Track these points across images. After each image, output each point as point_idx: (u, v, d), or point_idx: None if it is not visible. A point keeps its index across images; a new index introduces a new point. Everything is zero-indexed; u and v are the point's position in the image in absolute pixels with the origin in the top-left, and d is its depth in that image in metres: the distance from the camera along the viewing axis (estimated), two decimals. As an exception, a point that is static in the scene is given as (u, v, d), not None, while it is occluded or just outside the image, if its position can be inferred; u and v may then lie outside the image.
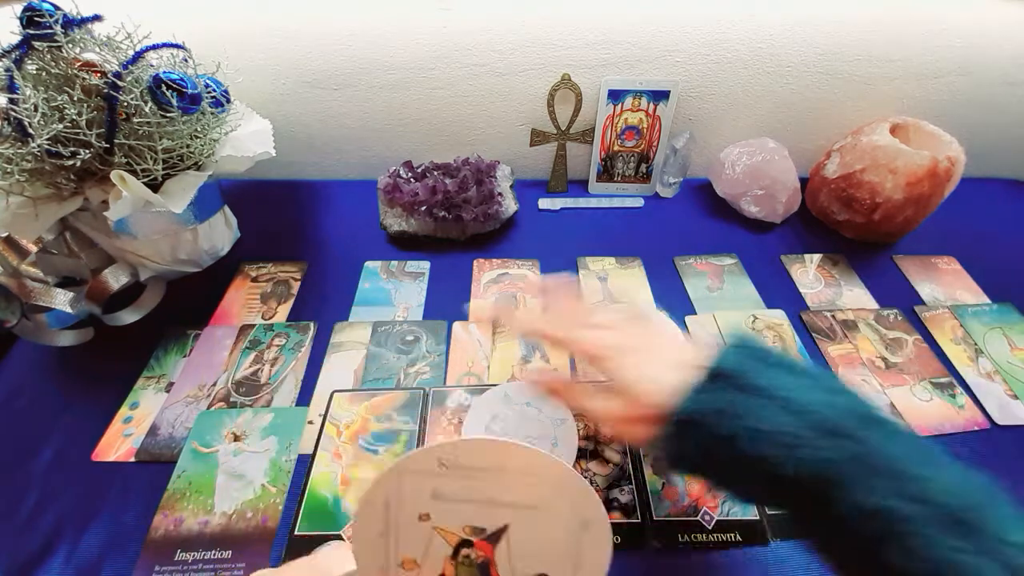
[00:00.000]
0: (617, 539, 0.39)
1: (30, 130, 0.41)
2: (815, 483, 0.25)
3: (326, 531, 0.39)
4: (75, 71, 0.43)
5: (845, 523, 0.24)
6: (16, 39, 0.43)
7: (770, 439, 0.25)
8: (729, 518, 0.40)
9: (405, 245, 0.65)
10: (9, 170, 0.42)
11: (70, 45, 0.44)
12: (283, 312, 0.56)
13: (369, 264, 0.62)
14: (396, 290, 0.59)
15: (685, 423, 0.28)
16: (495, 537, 0.21)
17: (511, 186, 0.68)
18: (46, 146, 0.41)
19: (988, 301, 0.59)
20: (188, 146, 0.48)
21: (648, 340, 0.34)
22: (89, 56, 0.45)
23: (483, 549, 0.21)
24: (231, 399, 0.48)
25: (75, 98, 0.42)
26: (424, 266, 0.62)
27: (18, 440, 0.45)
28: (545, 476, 0.20)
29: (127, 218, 0.48)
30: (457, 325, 0.55)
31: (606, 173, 0.74)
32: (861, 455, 0.24)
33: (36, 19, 0.43)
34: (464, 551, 0.21)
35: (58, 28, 0.43)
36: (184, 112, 0.46)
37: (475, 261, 0.63)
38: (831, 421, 0.25)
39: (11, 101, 0.41)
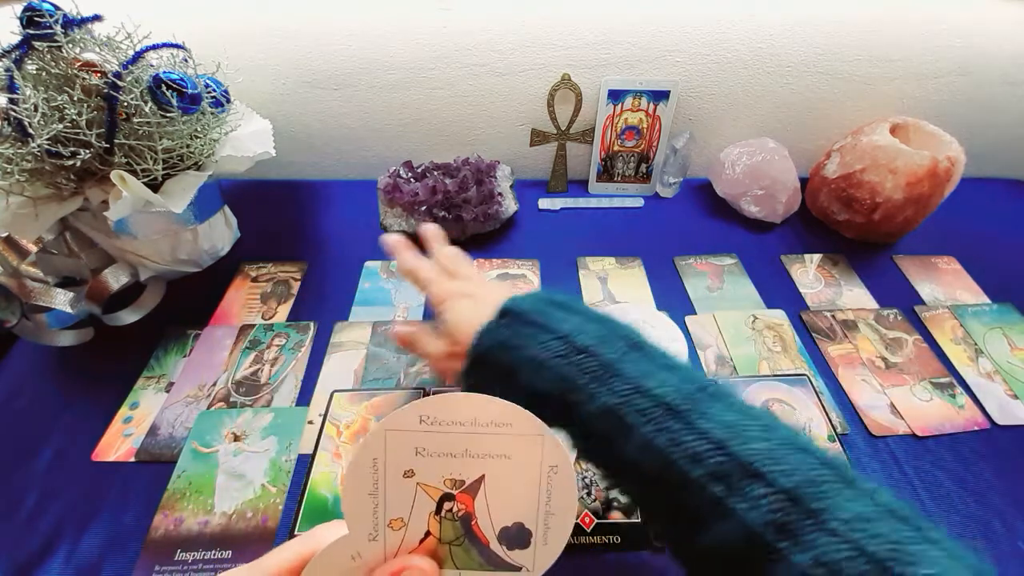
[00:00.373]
0: (617, 539, 0.39)
1: (30, 130, 0.41)
2: (565, 391, 0.28)
3: (326, 531, 0.39)
4: (75, 71, 0.43)
5: (585, 425, 0.28)
6: (16, 39, 0.43)
7: (532, 360, 0.29)
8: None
9: (405, 245, 0.65)
10: (9, 170, 0.42)
11: (70, 45, 0.44)
12: (283, 312, 0.56)
13: (369, 264, 0.62)
14: (396, 290, 0.59)
15: (478, 358, 0.32)
16: (473, 489, 0.22)
17: (511, 186, 0.68)
18: (46, 146, 0.41)
19: (988, 301, 0.59)
20: (188, 146, 0.48)
21: (484, 289, 0.39)
22: (89, 56, 0.45)
23: (464, 502, 0.22)
24: (231, 399, 0.48)
25: (75, 98, 0.42)
26: (424, 266, 0.62)
27: (18, 440, 0.45)
28: (516, 426, 0.22)
29: (127, 218, 0.48)
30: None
31: (606, 173, 0.74)
32: (603, 364, 0.28)
33: (36, 19, 0.43)
34: (447, 505, 0.22)
35: (58, 28, 0.43)
36: (184, 112, 0.46)
37: (475, 261, 0.63)
38: (584, 341, 0.29)
39: (11, 101, 0.41)
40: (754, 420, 0.26)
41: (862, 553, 0.21)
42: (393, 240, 0.43)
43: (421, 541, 0.22)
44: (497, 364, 0.31)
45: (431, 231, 0.45)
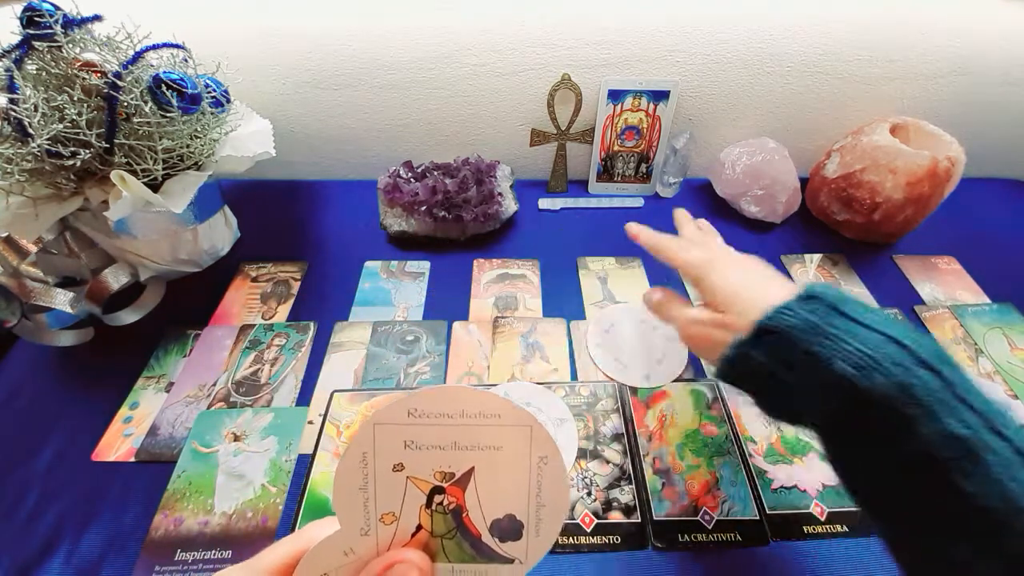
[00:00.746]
0: (617, 539, 0.39)
1: (30, 130, 0.41)
2: (898, 402, 0.25)
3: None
4: (75, 71, 0.43)
5: (919, 446, 0.25)
6: (16, 39, 0.43)
7: (860, 357, 0.26)
8: (729, 518, 0.40)
9: (405, 245, 0.65)
10: (9, 170, 0.42)
11: (70, 45, 0.44)
12: (283, 312, 0.56)
13: (369, 264, 0.62)
14: (396, 290, 0.59)
15: (774, 332, 0.29)
16: (463, 481, 0.22)
17: (511, 186, 0.68)
18: (46, 146, 0.41)
19: (988, 301, 0.59)
20: (188, 146, 0.48)
21: (742, 259, 0.38)
22: (89, 56, 0.45)
23: (454, 495, 0.22)
24: (231, 399, 0.48)
25: (75, 98, 0.42)
26: (424, 266, 0.62)
27: (18, 440, 0.45)
28: (504, 417, 0.21)
29: (127, 218, 0.48)
30: (457, 325, 0.55)
31: (606, 173, 0.74)
32: (949, 385, 0.25)
33: (36, 19, 0.43)
34: (437, 498, 0.22)
35: (58, 28, 0.43)
36: (184, 112, 0.46)
37: (475, 261, 0.63)
38: (920, 353, 0.26)
39: (11, 101, 0.41)
40: None
41: None
42: (634, 228, 0.43)
43: (413, 535, 0.22)
44: (795, 345, 0.28)
45: (680, 214, 0.47)
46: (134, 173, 0.45)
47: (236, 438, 0.45)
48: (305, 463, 0.43)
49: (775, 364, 0.29)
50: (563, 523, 0.23)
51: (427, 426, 0.21)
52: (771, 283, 0.33)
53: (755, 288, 0.33)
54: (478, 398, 0.21)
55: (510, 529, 0.22)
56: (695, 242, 0.41)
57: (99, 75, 0.43)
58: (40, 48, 0.43)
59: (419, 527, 0.22)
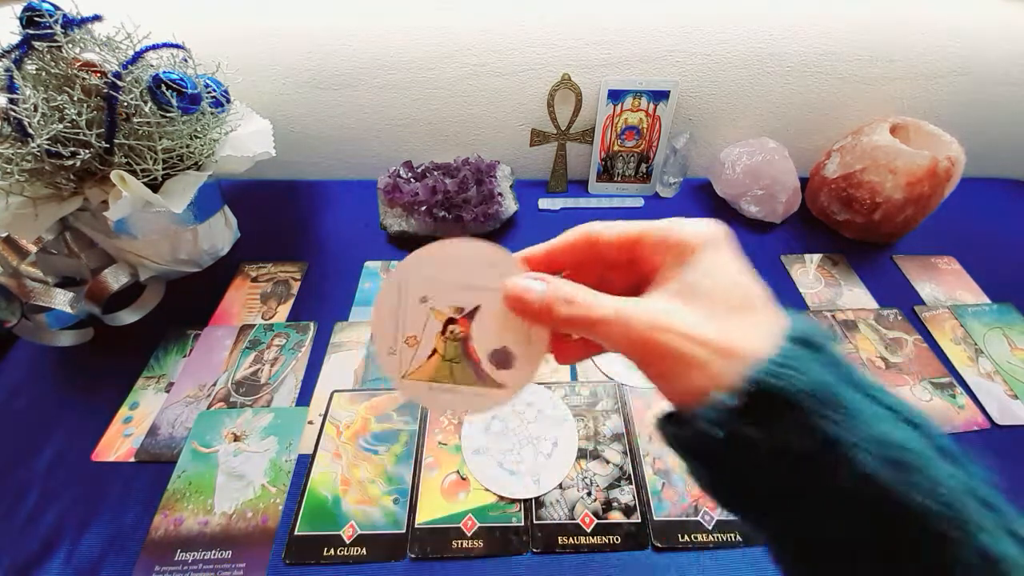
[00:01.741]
0: (617, 539, 0.39)
1: (30, 130, 0.41)
2: (938, 520, 0.17)
3: (326, 531, 0.39)
4: (75, 71, 0.43)
5: (958, 571, 0.17)
6: (16, 39, 0.43)
7: (883, 452, 0.17)
8: (729, 518, 0.40)
9: (405, 245, 0.65)
10: (9, 170, 0.42)
11: (70, 45, 0.44)
12: (283, 312, 0.56)
13: (369, 264, 0.62)
14: (396, 290, 0.59)
15: (770, 398, 0.18)
16: (471, 315, 0.26)
17: (511, 186, 0.68)
18: (46, 146, 0.41)
19: (988, 301, 0.59)
20: (188, 146, 0.47)
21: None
22: (89, 56, 0.44)
23: (463, 325, 0.26)
24: (231, 399, 0.48)
25: (75, 98, 0.42)
26: (424, 266, 0.62)
27: (18, 440, 0.45)
28: (503, 267, 0.26)
29: (127, 218, 0.48)
30: (457, 325, 0.55)
31: (606, 173, 0.74)
32: (973, 487, 0.18)
33: (36, 19, 0.43)
34: (450, 327, 0.27)
35: (58, 28, 0.43)
36: (184, 112, 0.46)
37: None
38: (941, 440, 0.18)
39: (11, 101, 0.41)
40: None
41: None
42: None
43: (428, 358, 0.27)
44: (813, 425, 0.17)
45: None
46: (134, 173, 0.45)
47: (236, 438, 0.45)
48: (305, 463, 0.43)
49: (774, 454, 0.18)
50: (543, 360, 0.27)
51: (445, 268, 0.26)
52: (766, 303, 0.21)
53: (760, 299, 0.21)
54: (485, 249, 0.26)
55: (504, 359, 0.27)
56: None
57: (99, 75, 0.43)
58: (40, 48, 0.43)
59: (434, 351, 0.27)
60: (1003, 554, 0.17)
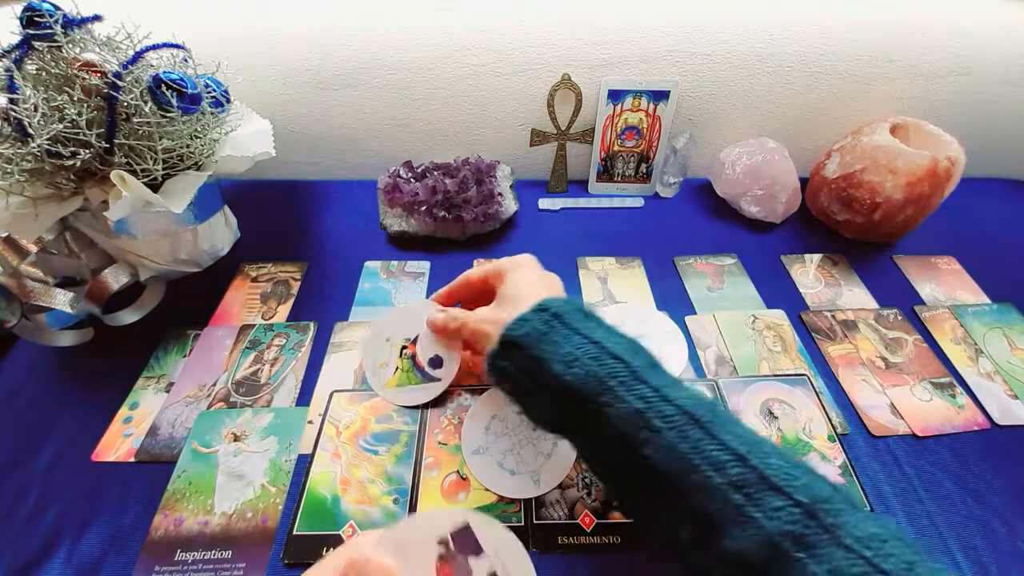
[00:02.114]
0: (617, 539, 0.39)
1: (30, 130, 0.41)
2: (592, 392, 0.30)
3: (325, 531, 0.39)
4: (75, 71, 0.43)
5: (615, 427, 0.29)
6: (16, 39, 0.43)
7: (571, 358, 0.31)
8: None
9: (405, 245, 0.65)
10: (9, 170, 0.42)
11: (70, 45, 0.44)
12: (283, 312, 0.56)
13: (369, 264, 0.62)
14: (396, 290, 0.59)
15: (513, 340, 0.34)
16: (415, 341, 0.47)
17: (511, 186, 0.68)
18: (46, 146, 0.41)
19: (988, 301, 0.59)
20: (188, 146, 0.48)
21: (548, 278, 0.42)
22: (89, 56, 0.45)
23: (411, 348, 0.47)
24: (231, 399, 0.48)
25: (75, 98, 0.42)
26: (424, 266, 0.62)
27: (18, 440, 0.45)
28: (427, 310, 0.46)
29: (127, 218, 0.48)
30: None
31: (606, 173, 0.74)
32: (632, 370, 0.30)
33: (36, 19, 0.43)
34: (404, 350, 0.47)
35: (58, 28, 0.43)
36: (184, 112, 0.46)
37: (475, 261, 0.63)
38: (610, 347, 0.31)
39: (11, 101, 0.41)
40: (767, 442, 0.28)
41: (878, 570, 0.22)
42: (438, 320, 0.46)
43: (394, 372, 0.47)
44: (529, 351, 0.33)
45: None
46: (134, 173, 0.45)
47: (236, 438, 0.45)
48: (305, 463, 0.43)
49: (518, 372, 0.34)
50: (460, 358, 0.46)
51: (399, 318, 0.48)
52: (550, 290, 0.39)
53: (536, 294, 0.37)
54: (420, 304, 0.47)
55: (437, 362, 0.46)
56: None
57: (99, 75, 0.43)
58: (40, 48, 0.43)
59: (396, 368, 0.47)
60: (634, 407, 0.29)
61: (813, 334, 0.55)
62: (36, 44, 0.43)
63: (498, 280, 0.41)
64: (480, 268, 0.44)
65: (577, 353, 0.31)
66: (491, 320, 0.38)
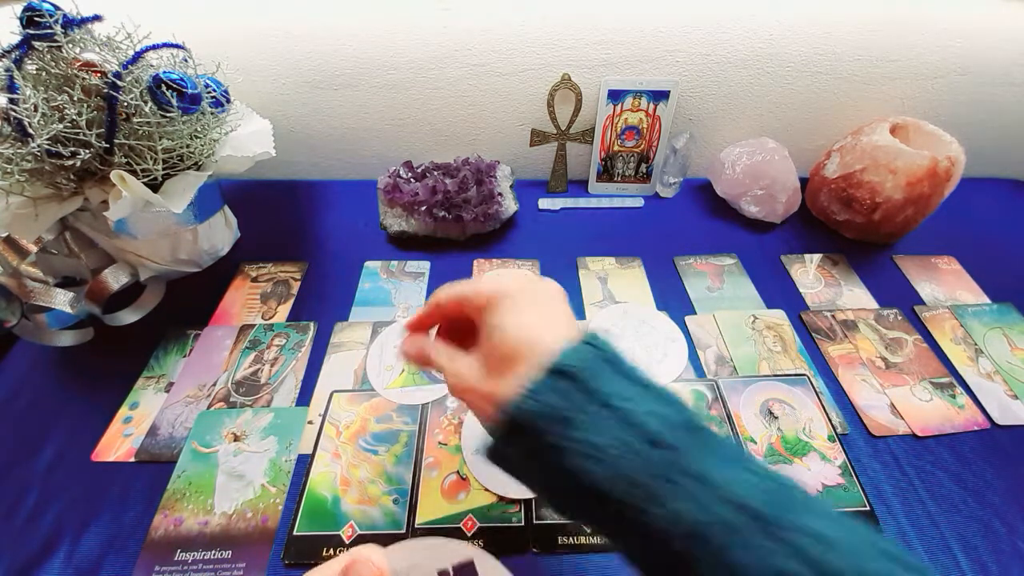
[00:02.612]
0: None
1: (30, 130, 0.41)
2: (621, 491, 0.23)
3: (325, 531, 0.39)
4: (75, 71, 0.43)
5: (656, 538, 0.23)
6: (16, 39, 0.43)
7: (595, 448, 0.24)
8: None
9: (405, 245, 0.65)
10: (9, 170, 0.42)
11: (70, 45, 0.44)
12: (283, 312, 0.56)
13: (369, 264, 0.62)
14: (396, 290, 0.59)
15: (515, 428, 0.26)
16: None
17: (511, 186, 0.68)
18: (46, 146, 0.41)
19: (988, 301, 0.59)
20: (188, 146, 0.48)
21: (547, 299, 0.31)
22: (89, 56, 0.44)
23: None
24: (231, 399, 0.48)
25: (75, 98, 0.42)
26: (424, 266, 0.62)
27: (18, 440, 0.45)
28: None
29: (127, 218, 0.48)
30: (457, 325, 0.55)
31: (606, 173, 0.74)
32: (675, 461, 0.23)
33: (36, 19, 0.43)
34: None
35: (58, 28, 0.43)
36: (184, 112, 0.46)
37: (475, 261, 0.63)
38: (653, 426, 0.24)
39: (11, 101, 0.41)
40: (833, 522, 0.22)
41: None
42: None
43: (399, 375, 0.49)
44: (542, 437, 0.25)
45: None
46: (134, 173, 0.45)
47: (236, 438, 0.45)
48: (305, 463, 0.43)
49: (525, 459, 0.27)
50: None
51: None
52: (554, 330, 0.28)
53: (538, 342, 0.27)
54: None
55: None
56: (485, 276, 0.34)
57: (99, 75, 0.43)
58: (40, 48, 0.43)
59: (403, 371, 0.50)
60: (688, 517, 0.22)
61: (813, 334, 0.55)
62: (36, 44, 0.43)
63: (478, 315, 0.30)
64: (454, 291, 0.32)
65: (602, 441, 0.24)
66: (483, 395, 0.28)
